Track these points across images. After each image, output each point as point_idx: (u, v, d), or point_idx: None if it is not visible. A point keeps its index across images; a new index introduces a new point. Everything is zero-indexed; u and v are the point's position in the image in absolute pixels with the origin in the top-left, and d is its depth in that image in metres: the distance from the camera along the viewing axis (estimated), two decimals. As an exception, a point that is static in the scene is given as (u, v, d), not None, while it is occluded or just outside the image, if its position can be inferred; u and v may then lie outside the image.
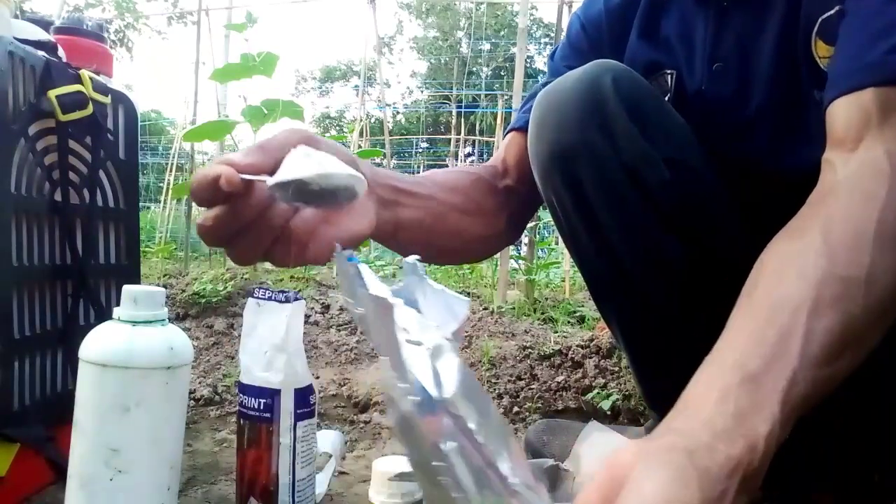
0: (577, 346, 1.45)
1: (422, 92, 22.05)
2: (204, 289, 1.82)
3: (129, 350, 0.68)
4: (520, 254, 2.73)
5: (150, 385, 0.69)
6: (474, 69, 18.99)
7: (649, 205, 0.68)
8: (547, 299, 2.18)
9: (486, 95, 14.47)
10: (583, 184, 0.68)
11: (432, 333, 0.37)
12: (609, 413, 1.26)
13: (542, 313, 1.97)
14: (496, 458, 0.34)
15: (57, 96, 0.86)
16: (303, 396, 0.81)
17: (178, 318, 1.74)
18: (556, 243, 3.39)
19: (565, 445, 0.92)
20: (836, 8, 0.62)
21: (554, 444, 0.97)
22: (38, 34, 0.93)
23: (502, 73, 17.44)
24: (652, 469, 0.34)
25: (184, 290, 1.86)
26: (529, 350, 1.49)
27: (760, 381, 0.40)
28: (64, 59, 0.93)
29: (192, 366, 0.77)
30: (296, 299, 0.82)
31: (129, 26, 15.17)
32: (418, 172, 0.90)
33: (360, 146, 3.21)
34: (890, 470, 0.75)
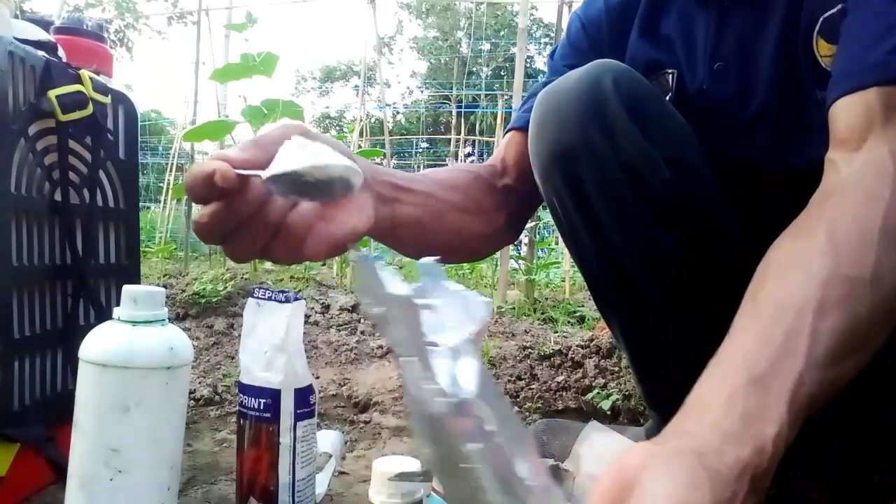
0: (577, 346, 1.45)
1: (422, 92, 22.06)
2: (204, 289, 1.82)
3: (129, 350, 0.68)
4: (520, 254, 2.73)
5: (150, 385, 0.69)
6: (474, 69, 19.00)
7: (650, 204, 0.68)
8: (547, 299, 2.18)
9: (486, 95, 14.48)
10: (583, 184, 0.68)
11: (451, 335, 0.36)
12: (609, 413, 1.26)
13: (542, 313, 1.98)
14: (515, 460, 0.33)
15: (57, 96, 0.86)
16: (303, 396, 0.81)
17: (178, 318, 1.74)
18: (556, 243, 3.39)
19: (565, 445, 0.92)
20: (839, 6, 0.62)
21: (554, 444, 0.97)
22: (38, 34, 0.93)
23: (502, 73, 17.44)
24: (662, 471, 0.34)
25: (184, 290, 1.86)
26: (529, 350, 1.49)
27: (767, 382, 0.40)
28: (64, 59, 0.93)
29: (192, 366, 0.77)
30: (296, 299, 0.82)
31: (129, 26, 15.17)
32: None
33: (360, 146, 3.21)
34: (890, 470, 0.75)
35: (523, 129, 0.79)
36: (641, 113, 0.67)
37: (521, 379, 1.39)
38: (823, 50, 0.64)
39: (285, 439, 0.79)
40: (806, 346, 0.42)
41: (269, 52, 1.93)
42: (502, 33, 18.00)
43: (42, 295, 0.89)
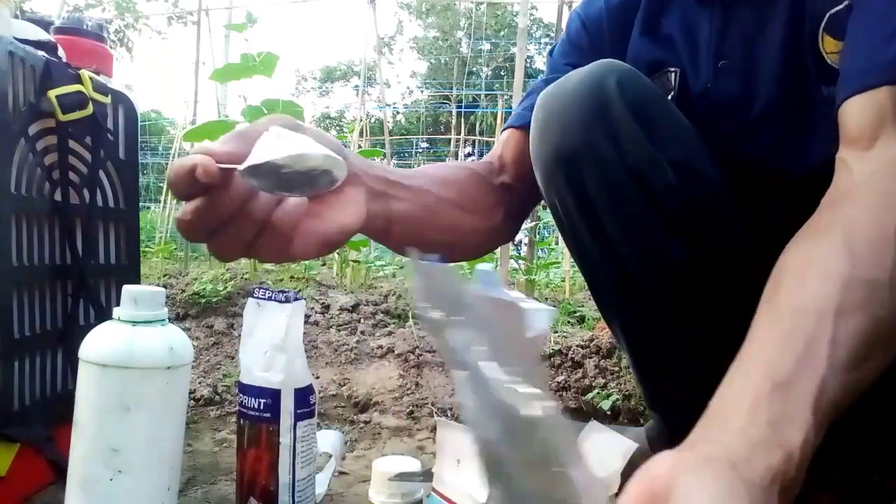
0: (577, 346, 1.45)
1: (422, 92, 22.05)
2: (204, 289, 1.82)
3: (129, 350, 0.68)
4: (520, 254, 2.73)
5: (150, 385, 0.69)
6: (474, 69, 18.99)
7: (654, 208, 0.67)
8: (547, 299, 2.18)
9: (486, 95, 14.49)
10: (587, 187, 0.68)
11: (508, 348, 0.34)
12: (609, 413, 1.26)
13: (542, 313, 1.97)
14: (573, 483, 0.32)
15: (57, 96, 0.86)
16: (303, 396, 0.81)
17: (178, 318, 1.74)
18: (557, 243, 3.39)
19: (565, 445, 0.92)
20: (845, 2, 0.61)
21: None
22: (38, 34, 0.93)
23: (502, 73, 17.44)
24: (698, 482, 0.33)
25: (184, 290, 1.86)
26: (529, 350, 1.49)
27: (791, 388, 0.40)
28: (64, 59, 0.93)
29: (192, 366, 0.77)
30: (296, 299, 0.82)
31: (129, 26, 15.17)
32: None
33: (360, 146, 3.21)
34: (890, 470, 0.75)
35: (522, 127, 0.78)
36: (646, 115, 0.66)
37: (521, 379, 1.39)
38: (829, 47, 0.64)
39: (285, 439, 0.79)
40: (827, 350, 0.42)
41: (269, 52, 1.93)
42: (502, 33, 18.00)
43: (42, 295, 0.89)
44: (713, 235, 0.69)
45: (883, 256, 0.46)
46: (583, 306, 2.05)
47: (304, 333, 0.91)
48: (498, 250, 2.07)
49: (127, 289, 0.71)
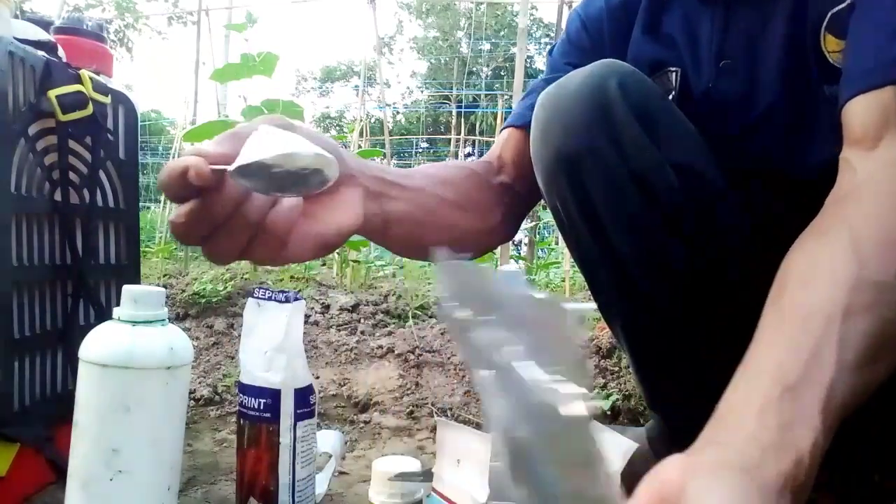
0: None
1: (422, 92, 22.05)
2: (204, 289, 1.82)
3: (129, 350, 0.68)
4: (520, 254, 2.73)
5: (150, 385, 0.69)
6: (474, 69, 18.99)
7: (655, 209, 0.67)
8: (547, 299, 2.17)
9: (486, 95, 14.49)
10: (589, 189, 0.67)
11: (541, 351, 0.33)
12: (609, 413, 1.25)
13: (542, 313, 1.97)
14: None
15: (57, 96, 0.86)
16: (303, 396, 0.81)
17: (178, 318, 1.74)
18: (556, 243, 3.39)
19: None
20: (847, 1, 0.61)
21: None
22: (38, 34, 0.93)
23: (502, 73, 17.44)
24: (710, 486, 0.33)
25: (184, 290, 1.85)
26: (529, 350, 1.49)
27: (800, 391, 0.40)
28: (64, 59, 0.93)
29: (192, 366, 0.77)
30: (296, 299, 0.82)
31: (129, 26, 15.17)
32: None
33: (360, 146, 3.21)
34: (890, 470, 0.75)
35: (521, 126, 0.78)
36: (648, 117, 0.66)
37: (521, 379, 1.39)
38: (831, 46, 0.64)
39: (285, 439, 0.79)
40: (836, 353, 0.41)
41: (269, 52, 1.93)
42: (502, 33, 18.00)
43: (42, 295, 0.89)
44: (715, 236, 0.69)
45: (889, 258, 0.46)
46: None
47: (304, 333, 0.91)
48: (498, 250, 2.07)
49: (127, 289, 0.71)
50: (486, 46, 18.52)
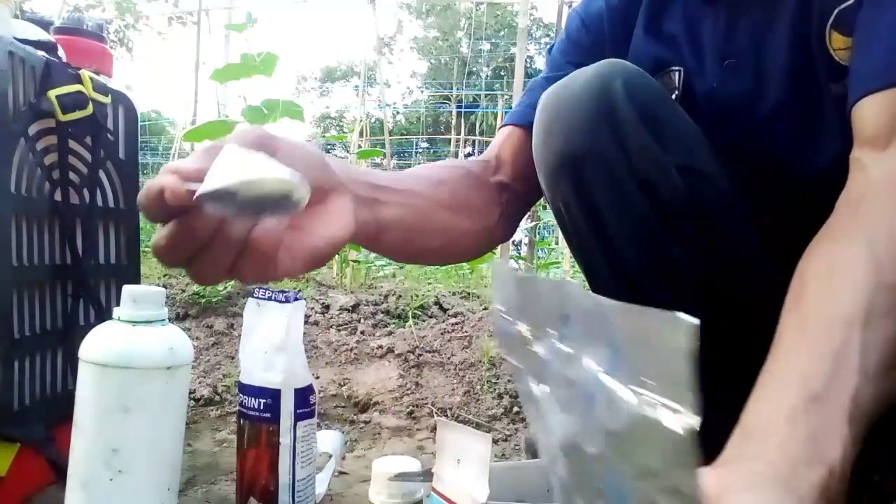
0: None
1: (422, 92, 22.04)
2: (204, 289, 1.82)
3: (129, 350, 0.68)
4: (520, 254, 2.74)
5: (150, 385, 0.69)
6: (474, 69, 18.99)
7: (660, 213, 0.66)
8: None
9: (486, 95, 14.48)
10: (592, 191, 0.66)
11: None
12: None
13: (542, 313, 1.97)
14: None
15: (57, 96, 0.86)
16: (303, 396, 0.81)
17: (178, 318, 1.74)
18: (557, 243, 3.39)
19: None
20: None
21: (554, 444, 0.97)
22: (38, 34, 0.93)
23: (502, 73, 17.43)
24: (749, 500, 0.33)
25: (184, 290, 1.85)
26: (529, 350, 1.49)
27: (825, 400, 0.40)
28: (64, 59, 0.93)
29: (192, 366, 0.77)
30: (296, 299, 0.82)
31: (129, 26, 15.17)
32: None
33: (360, 146, 3.21)
34: (890, 470, 0.75)
35: (520, 124, 0.77)
36: (653, 118, 0.65)
37: (521, 379, 1.39)
38: (837, 43, 0.63)
39: (285, 439, 0.79)
40: (858, 360, 0.41)
41: (269, 52, 1.93)
42: (502, 33, 17.99)
43: (42, 295, 0.89)
44: (721, 240, 0.68)
45: None
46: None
47: (304, 333, 0.91)
48: (498, 250, 2.07)
49: (127, 289, 0.71)
50: (486, 46, 18.52)
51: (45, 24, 1.00)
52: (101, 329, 0.71)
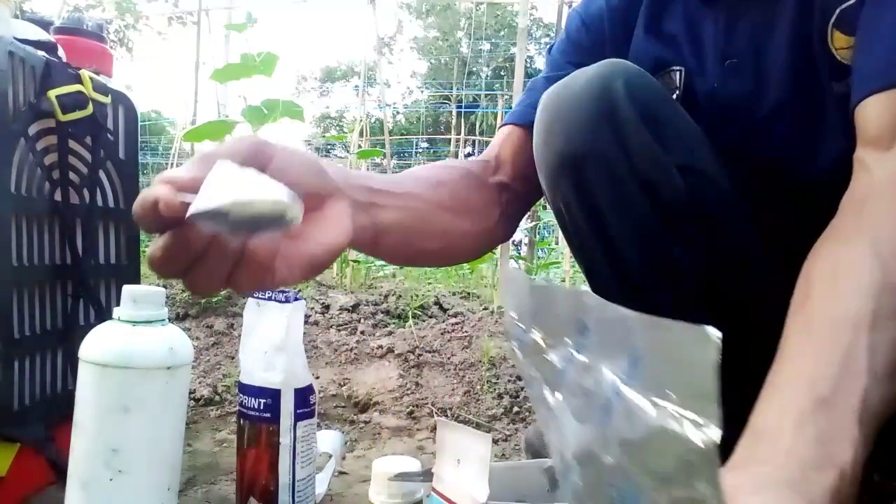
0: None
1: (422, 92, 22.04)
2: (204, 289, 1.82)
3: (128, 350, 0.68)
4: (520, 254, 2.73)
5: (149, 385, 0.69)
6: (474, 69, 18.98)
7: (661, 213, 0.66)
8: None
9: (486, 95, 14.47)
10: (593, 192, 0.66)
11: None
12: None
13: (542, 313, 1.97)
14: None
15: (57, 96, 0.86)
16: (303, 396, 0.81)
17: (178, 318, 1.74)
18: (557, 243, 3.39)
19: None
20: None
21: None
22: (38, 34, 0.93)
23: (502, 73, 17.43)
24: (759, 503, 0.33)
25: (184, 290, 1.85)
26: (529, 350, 1.49)
27: (834, 402, 0.40)
28: (64, 59, 0.93)
29: (192, 366, 0.77)
30: (296, 299, 0.82)
31: (129, 26, 15.17)
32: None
33: (360, 146, 3.21)
34: (890, 470, 0.75)
35: (520, 124, 0.77)
36: (654, 119, 0.64)
37: (521, 379, 1.39)
38: (840, 42, 0.63)
39: (285, 439, 0.79)
40: (866, 362, 0.41)
41: (269, 52, 1.93)
42: (502, 33, 17.99)
43: (42, 295, 0.89)
44: (722, 240, 0.68)
45: None
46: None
47: (304, 333, 0.91)
48: (498, 250, 2.07)
49: (127, 289, 0.71)
50: (486, 46, 18.51)
51: (45, 24, 1.00)
52: (101, 329, 0.71)
